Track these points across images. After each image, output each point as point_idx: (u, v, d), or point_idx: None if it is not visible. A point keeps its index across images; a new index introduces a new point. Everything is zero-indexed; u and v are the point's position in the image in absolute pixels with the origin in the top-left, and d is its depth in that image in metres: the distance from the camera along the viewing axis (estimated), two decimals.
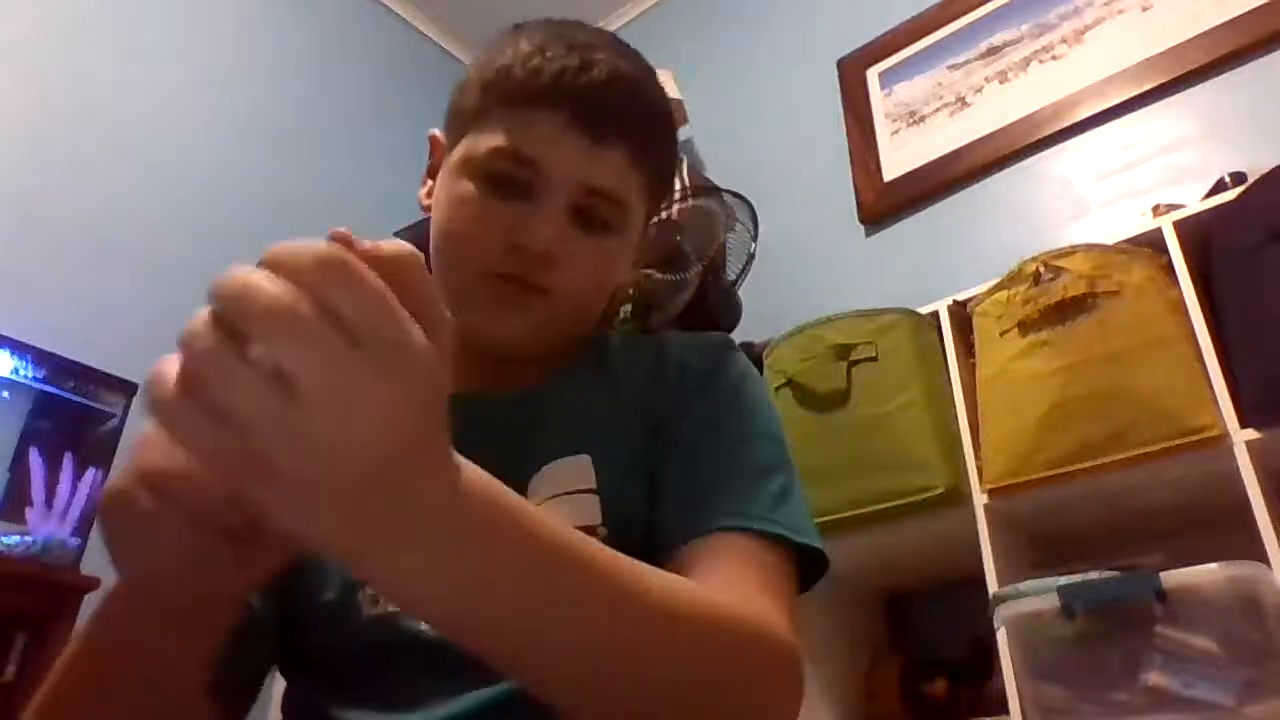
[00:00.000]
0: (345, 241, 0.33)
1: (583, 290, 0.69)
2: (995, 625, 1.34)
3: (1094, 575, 1.29)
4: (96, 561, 1.64)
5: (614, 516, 0.63)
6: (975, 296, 1.61)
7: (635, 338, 0.82)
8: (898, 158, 2.29)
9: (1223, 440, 1.30)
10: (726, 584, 0.55)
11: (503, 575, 0.39)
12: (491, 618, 0.39)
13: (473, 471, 0.38)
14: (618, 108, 0.66)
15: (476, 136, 0.67)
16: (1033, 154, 2.08)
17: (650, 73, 0.71)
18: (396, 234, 2.63)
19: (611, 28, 2.97)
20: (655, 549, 0.61)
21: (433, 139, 0.75)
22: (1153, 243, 1.47)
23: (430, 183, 0.74)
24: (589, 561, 0.43)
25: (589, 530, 0.62)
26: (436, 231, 0.70)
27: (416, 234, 2.59)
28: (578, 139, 0.65)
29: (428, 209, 0.73)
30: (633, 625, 0.44)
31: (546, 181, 0.65)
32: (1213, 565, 1.18)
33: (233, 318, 0.30)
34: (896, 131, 2.32)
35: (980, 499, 1.48)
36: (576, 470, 0.65)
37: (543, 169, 0.65)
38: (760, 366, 1.78)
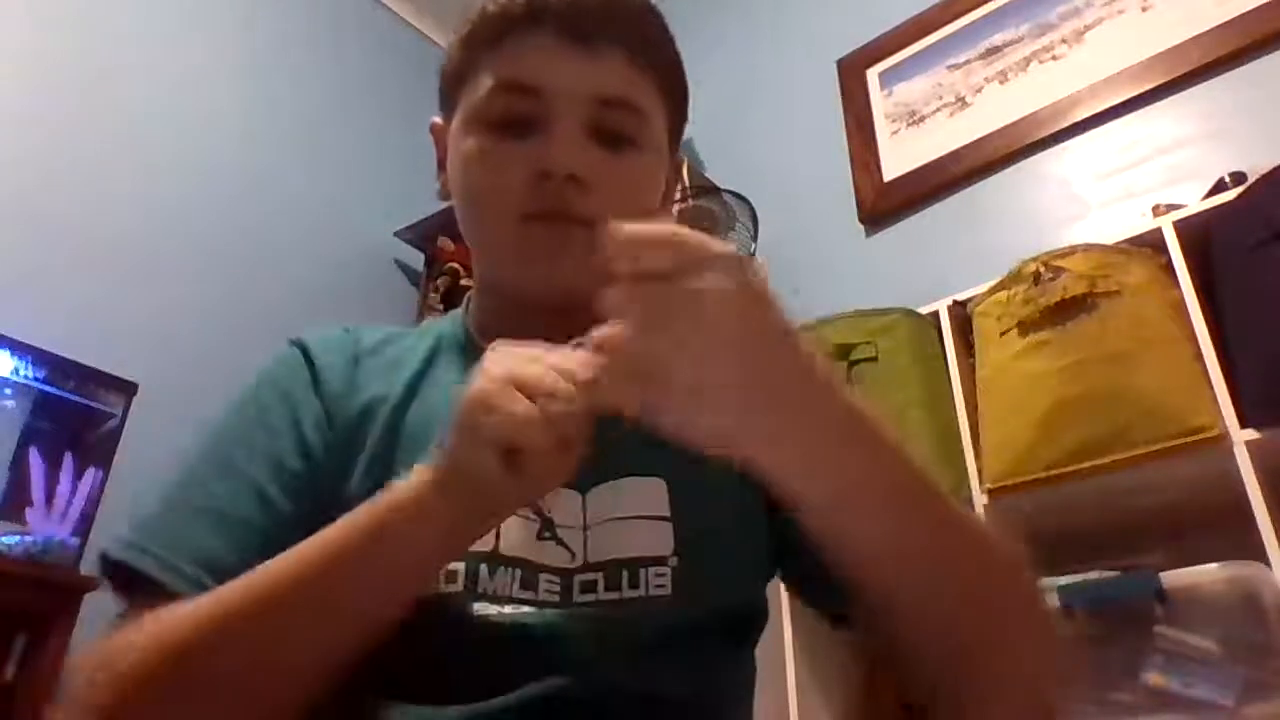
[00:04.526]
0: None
1: (622, 214, 0.66)
2: None
3: (1094, 575, 1.29)
4: (97, 562, 1.64)
5: (686, 547, 0.62)
6: (975, 296, 1.61)
7: None
8: (898, 158, 2.29)
9: (1223, 440, 1.30)
10: None
11: (877, 482, 0.49)
12: (865, 522, 0.49)
13: (852, 392, 0.48)
14: (602, 10, 0.63)
15: (471, 89, 0.65)
16: (1033, 154, 2.08)
17: None
18: (397, 234, 2.63)
19: None
20: (734, 584, 0.64)
21: (433, 127, 0.72)
22: (1153, 243, 1.47)
23: (443, 175, 0.71)
24: (934, 486, 0.53)
25: (657, 561, 0.61)
26: (459, 197, 0.67)
27: (417, 234, 2.60)
28: (570, 51, 0.62)
29: (446, 197, 0.70)
30: (967, 543, 0.55)
31: (552, 104, 0.62)
32: (1213, 565, 1.18)
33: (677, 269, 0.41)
34: (896, 131, 2.32)
35: (980, 499, 1.48)
36: (650, 494, 0.63)
37: (545, 92, 0.62)
38: None
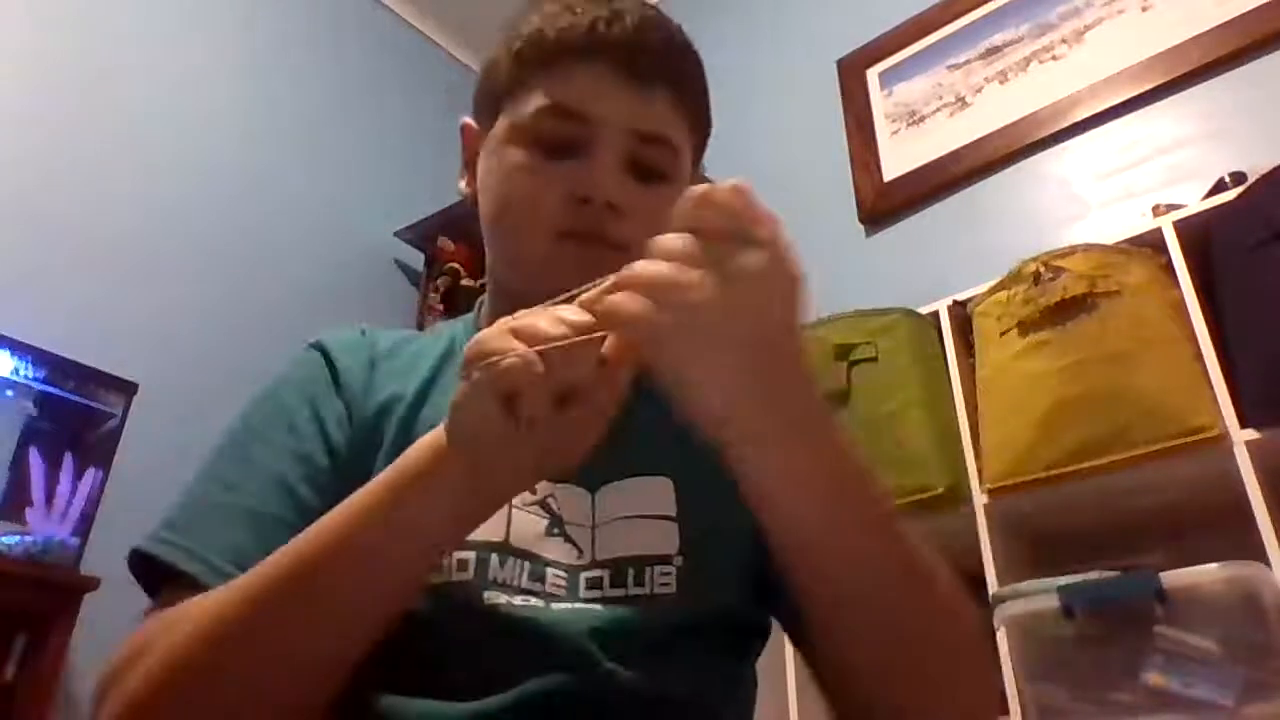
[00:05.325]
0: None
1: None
2: (995, 625, 1.34)
3: (1094, 575, 1.29)
4: (96, 561, 1.64)
5: (691, 546, 0.63)
6: (975, 296, 1.61)
7: None
8: (898, 158, 2.29)
9: (1223, 440, 1.30)
10: None
11: (821, 476, 0.49)
12: (802, 509, 0.50)
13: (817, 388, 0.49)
14: (655, 51, 0.66)
15: (518, 104, 0.67)
16: (1033, 154, 2.08)
17: (672, 20, 0.71)
18: (397, 234, 2.63)
19: None
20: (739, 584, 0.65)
21: (465, 128, 0.74)
22: (1153, 243, 1.47)
23: (468, 174, 0.73)
24: (883, 495, 0.53)
25: (663, 560, 0.62)
26: (492, 206, 0.69)
27: (417, 234, 2.60)
28: (622, 86, 0.65)
29: (470, 198, 0.72)
30: (901, 550, 0.54)
31: (597, 133, 0.64)
32: (1213, 565, 1.18)
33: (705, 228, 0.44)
34: (896, 131, 2.32)
35: (980, 499, 1.48)
36: (657, 493, 0.65)
37: (591, 120, 0.64)
38: None
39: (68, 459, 1.71)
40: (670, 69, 0.67)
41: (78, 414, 1.76)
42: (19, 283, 1.89)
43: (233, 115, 2.45)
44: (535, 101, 0.65)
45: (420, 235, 2.63)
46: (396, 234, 2.64)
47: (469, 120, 0.74)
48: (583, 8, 0.66)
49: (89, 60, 2.18)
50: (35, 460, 1.67)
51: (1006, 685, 1.32)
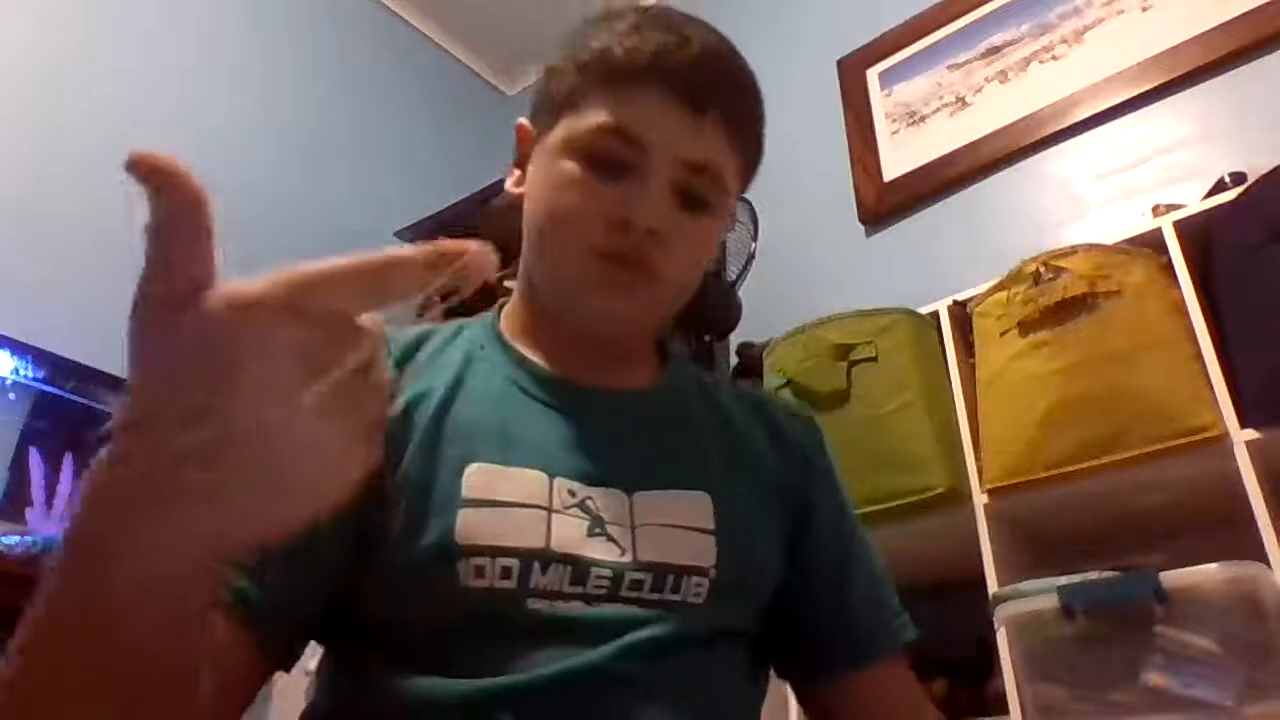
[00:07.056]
0: None
1: (686, 272, 0.70)
2: (995, 625, 1.34)
3: (1094, 575, 1.29)
4: None
5: (725, 562, 0.65)
6: (975, 296, 1.61)
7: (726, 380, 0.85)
8: (898, 158, 2.29)
9: (1223, 440, 1.30)
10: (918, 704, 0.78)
11: None
12: None
13: None
14: (717, 82, 0.67)
15: (577, 117, 0.68)
16: (1033, 154, 2.08)
17: (737, 50, 0.72)
18: (396, 234, 2.63)
19: None
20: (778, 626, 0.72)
21: (520, 128, 0.75)
22: (1153, 243, 1.47)
23: (518, 172, 0.74)
24: None
25: (699, 572, 0.64)
26: (538, 213, 0.70)
27: (417, 234, 2.59)
28: (680, 113, 0.66)
29: (517, 197, 0.73)
30: None
31: (650, 158, 0.65)
32: (1213, 565, 1.17)
33: None
34: (896, 131, 2.32)
35: (980, 499, 1.48)
36: (696, 507, 0.67)
37: (647, 145, 0.65)
38: (760, 366, 1.78)
39: (68, 459, 1.71)
40: (730, 101, 0.68)
41: (78, 414, 1.76)
42: (19, 283, 1.89)
43: (233, 115, 2.45)
44: (595, 118, 0.66)
45: (420, 235, 2.62)
46: (396, 234, 2.63)
47: (524, 121, 0.75)
48: (651, 31, 0.67)
49: (89, 60, 2.18)
50: (35, 460, 1.67)
51: (1006, 685, 1.32)
